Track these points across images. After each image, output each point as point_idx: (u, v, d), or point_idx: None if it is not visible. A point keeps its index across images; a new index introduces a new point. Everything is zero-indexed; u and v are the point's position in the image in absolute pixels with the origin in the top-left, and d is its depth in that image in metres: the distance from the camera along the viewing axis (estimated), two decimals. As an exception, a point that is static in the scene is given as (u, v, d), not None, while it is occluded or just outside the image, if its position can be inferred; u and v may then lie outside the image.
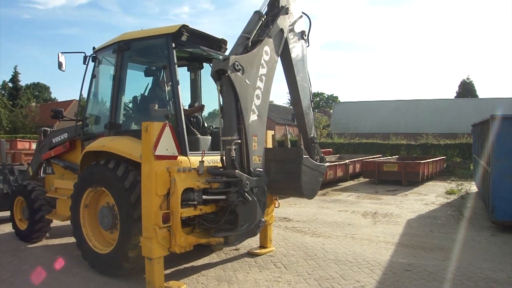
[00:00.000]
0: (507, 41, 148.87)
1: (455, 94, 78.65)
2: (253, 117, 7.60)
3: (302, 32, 9.17)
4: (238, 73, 7.17)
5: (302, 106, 9.13)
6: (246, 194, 7.20)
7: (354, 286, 7.59)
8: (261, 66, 7.81)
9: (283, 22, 8.46)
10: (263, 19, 8.17)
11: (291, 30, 8.77)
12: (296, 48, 8.98)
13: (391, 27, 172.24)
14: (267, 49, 7.98)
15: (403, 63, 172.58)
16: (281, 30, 8.40)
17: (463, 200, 17.71)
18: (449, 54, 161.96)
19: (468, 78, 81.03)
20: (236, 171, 7.19)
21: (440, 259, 9.12)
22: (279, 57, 8.57)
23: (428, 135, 37.04)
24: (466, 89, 78.29)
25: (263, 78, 7.88)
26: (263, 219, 7.73)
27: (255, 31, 7.95)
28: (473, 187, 20.40)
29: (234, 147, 7.18)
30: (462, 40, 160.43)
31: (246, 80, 7.38)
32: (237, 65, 7.15)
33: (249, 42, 7.73)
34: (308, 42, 9.44)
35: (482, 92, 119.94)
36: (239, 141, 7.31)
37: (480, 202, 16.32)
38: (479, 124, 16.93)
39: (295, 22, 8.89)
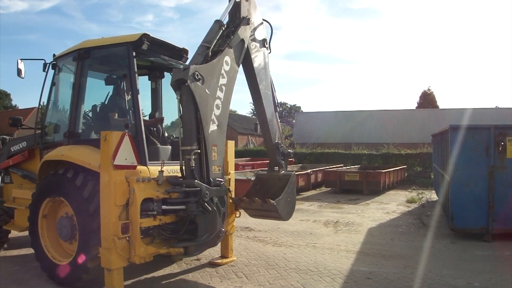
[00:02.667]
0: (467, 53, 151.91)
1: (416, 105, 79.61)
2: (213, 127, 7.55)
3: (264, 40, 9.19)
4: (198, 82, 7.13)
5: (266, 114, 9.09)
6: (205, 204, 7.16)
7: (315, 295, 7.60)
8: (221, 76, 7.77)
9: (244, 32, 8.45)
10: (224, 29, 8.14)
11: (253, 40, 8.77)
12: (258, 57, 8.96)
13: (355, 39, 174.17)
14: (227, 59, 7.94)
15: (365, 74, 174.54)
16: (242, 40, 8.37)
17: (424, 208, 17.92)
18: (411, 66, 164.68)
19: (429, 89, 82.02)
20: (196, 181, 7.13)
21: (401, 267, 9.22)
22: (241, 67, 8.57)
23: (389, 145, 37.41)
24: (427, 100, 79.25)
25: (223, 88, 7.84)
26: (223, 229, 7.78)
27: (215, 40, 7.92)
28: (433, 196, 20.65)
29: (193, 157, 7.13)
30: (424, 52, 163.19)
31: (206, 90, 7.34)
32: (197, 74, 7.11)
33: (209, 51, 7.70)
34: (270, 49, 9.44)
35: (443, 103, 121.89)
36: (199, 151, 7.27)
37: (440, 210, 16.54)
38: (438, 134, 17.17)
39: (255, 29, 8.90)
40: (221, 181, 7.71)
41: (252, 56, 8.77)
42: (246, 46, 8.47)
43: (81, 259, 7.42)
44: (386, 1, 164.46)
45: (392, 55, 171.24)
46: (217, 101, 7.68)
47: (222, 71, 7.82)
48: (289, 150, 9.62)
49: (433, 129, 26.58)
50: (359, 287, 8.03)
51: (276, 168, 9.37)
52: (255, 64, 8.87)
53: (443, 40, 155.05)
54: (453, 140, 12.03)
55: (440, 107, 72.87)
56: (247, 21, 8.53)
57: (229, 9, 8.36)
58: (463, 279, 8.45)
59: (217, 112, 7.65)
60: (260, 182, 9.61)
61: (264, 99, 9.03)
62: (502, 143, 11.61)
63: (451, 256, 10.19)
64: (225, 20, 8.29)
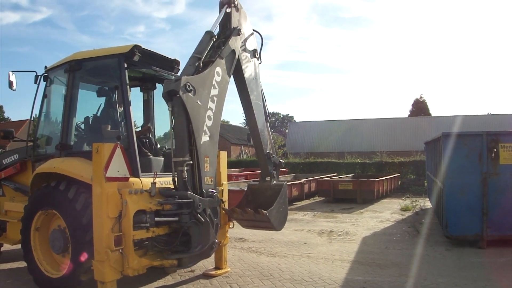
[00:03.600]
0: (458, 60, 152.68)
1: (409, 113, 79.82)
2: (205, 138, 7.52)
3: (254, 51, 9.20)
4: (189, 94, 7.13)
5: (258, 124, 9.05)
6: (198, 215, 7.13)
7: (310, 305, 7.58)
8: (212, 87, 7.76)
9: (235, 43, 8.43)
10: (214, 39, 8.13)
11: (244, 50, 8.79)
12: (248, 68, 8.95)
13: (347, 49, 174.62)
14: (218, 70, 7.93)
15: (357, 83, 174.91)
16: (233, 51, 8.35)
17: (418, 216, 17.93)
18: (403, 74, 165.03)
19: (421, 97, 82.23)
20: (188, 192, 7.11)
21: (395, 275, 9.18)
22: (232, 77, 8.58)
23: (382, 153, 37.42)
24: (419, 108, 79.46)
25: (215, 99, 7.82)
26: (216, 241, 7.78)
27: (206, 51, 7.91)
28: (427, 203, 20.64)
29: (185, 168, 7.11)
30: (415, 60, 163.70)
31: (198, 101, 7.36)
32: (189, 85, 7.11)
33: (200, 62, 7.70)
34: (260, 59, 9.42)
35: (435, 110, 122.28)
36: (191, 162, 7.25)
37: (434, 217, 16.53)
38: (431, 141, 17.19)
39: (246, 40, 8.92)
40: (214, 192, 7.67)
41: (243, 67, 8.76)
42: (237, 56, 8.46)
43: (74, 272, 7.39)
44: (377, 10, 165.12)
45: (384, 63, 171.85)
46: (209, 112, 7.66)
47: (214, 82, 7.80)
48: (280, 160, 9.53)
49: (425, 137, 26.67)
50: (354, 296, 8.00)
51: (268, 178, 9.26)
52: (246, 75, 8.87)
53: (435, 48, 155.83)
54: (445, 148, 12.05)
55: (433, 115, 73.09)
56: (237, 31, 8.52)
57: (219, 20, 8.38)
58: (458, 286, 8.44)
59: (209, 123, 7.62)
60: (252, 192, 9.49)
61: (255, 109, 9.01)
62: (495, 150, 11.61)
63: (446, 264, 10.17)
64: (216, 30, 8.29)
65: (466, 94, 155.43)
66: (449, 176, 11.97)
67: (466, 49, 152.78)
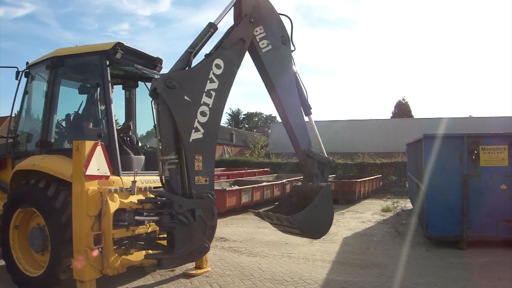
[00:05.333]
0: (442, 63, 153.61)
1: (391, 114, 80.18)
2: (196, 135, 7.07)
3: (282, 37, 8.19)
4: (172, 90, 6.92)
5: (289, 118, 8.11)
6: (180, 216, 6.84)
7: (290, 305, 7.60)
8: (209, 81, 7.21)
9: (244, 31, 7.71)
10: (212, 31, 7.57)
11: (263, 38, 7.91)
12: (269, 56, 7.94)
13: (331, 50, 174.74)
14: (219, 62, 7.35)
15: (341, 84, 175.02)
16: (241, 40, 7.62)
17: (399, 217, 18.04)
18: (386, 76, 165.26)
19: (403, 99, 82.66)
20: (166, 191, 6.98)
21: (376, 275, 9.23)
22: (259, 71, 8.05)
23: (364, 154, 37.60)
24: (402, 110, 79.86)
25: (212, 93, 7.25)
26: (206, 244, 7.23)
27: (200, 44, 7.48)
28: (408, 204, 20.77)
29: (169, 167, 6.94)
30: (398, 62, 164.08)
31: (186, 97, 7.03)
32: (170, 82, 6.87)
33: (191, 57, 7.35)
34: (294, 46, 8.28)
35: (417, 112, 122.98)
36: (176, 160, 7.03)
37: (415, 218, 16.64)
38: (413, 143, 17.29)
39: (267, 26, 7.98)
40: (207, 193, 7.18)
41: (262, 56, 7.85)
42: (247, 46, 7.78)
43: (53, 270, 7.33)
44: (361, 12, 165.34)
45: (367, 65, 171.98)
46: (203, 108, 7.17)
47: (211, 75, 7.26)
48: (331, 158, 8.54)
49: (407, 138, 26.77)
50: (334, 296, 8.03)
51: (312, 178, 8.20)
52: (266, 64, 7.94)
53: (418, 50, 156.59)
54: (427, 149, 12.15)
55: (415, 117, 73.50)
56: (248, 18, 7.81)
57: (227, 10, 7.81)
58: (438, 286, 8.53)
59: (202, 119, 7.14)
60: (296, 194, 8.55)
61: (284, 101, 8.10)
62: (476, 152, 11.74)
63: (426, 264, 10.25)
64: (218, 22, 7.74)
65: (448, 97, 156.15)
66: (430, 177, 12.05)
67: (449, 52, 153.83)
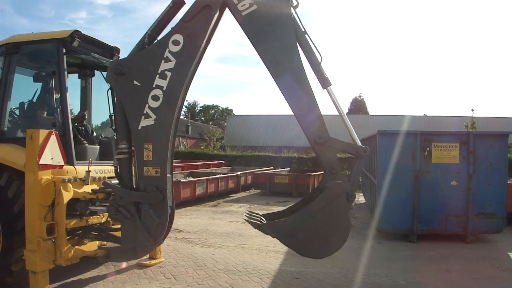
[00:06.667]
0: (397, 61, 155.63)
1: (347, 111, 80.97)
2: (146, 122, 6.42)
3: None
4: (121, 77, 6.48)
5: (286, 99, 6.47)
6: (121, 208, 6.45)
7: (244, 295, 7.68)
8: (164, 60, 6.40)
9: None
10: (175, 6, 6.69)
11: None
12: (251, 19, 6.31)
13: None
14: (177, 38, 6.43)
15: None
16: (207, 7, 6.44)
17: (352, 210, 18.15)
18: (343, 72, 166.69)
19: (360, 96, 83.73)
20: (109, 182, 6.82)
21: (328, 266, 9.34)
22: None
23: (319, 149, 37.79)
24: (358, 106, 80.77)
25: (167, 74, 6.41)
26: (147, 243, 6.54)
27: (157, 22, 6.76)
28: (361, 198, 21.03)
29: (120, 157, 6.63)
30: (355, 59, 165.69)
31: (135, 82, 6.46)
32: (119, 68, 6.45)
33: (145, 38, 6.74)
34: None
35: (373, 109, 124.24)
36: (125, 150, 6.63)
37: (367, 212, 16.92)
38: (367, 139, 17.54)
39: None
40: (155, 186, 6.43)
41: (242, 21, 6.34)
42: (215, 12, 6.47)
43: (5, 261, 7.22)
44: (320, 9, 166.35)
45: (325, 61, 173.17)
46: (155, 91, 6.42)
47: (167, 54, 6.41)
48: (362, 146, 6.79)
49: (363, 135, 26.96)
50: (287, 286, 8.15)
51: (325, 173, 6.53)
52: (249, 30, 6.39)
53: (375, 48, 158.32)
54: (381, 145, 12.41)
55: (371, 113, 74.40)
56: None
57: None
58: (389, 277, 8.75)
59: (154, 104, 6.42)
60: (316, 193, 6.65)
61: (277, 78, 6.45)
62: (428, 149, 12.09)
63: (377, 256, 10.51)
64: None
65: (404, 95, 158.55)
66: (383, 172, 12.30)
67: (405, 50, 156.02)
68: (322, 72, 6.42)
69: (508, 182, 12.85)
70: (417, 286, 8.33)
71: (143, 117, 6.42)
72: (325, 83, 6.45)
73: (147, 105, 6.41)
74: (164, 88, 6.41)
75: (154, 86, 6.41)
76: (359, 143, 6.72)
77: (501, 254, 11.06)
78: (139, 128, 6.43)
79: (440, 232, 12.24)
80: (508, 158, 13.13)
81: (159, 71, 6.40)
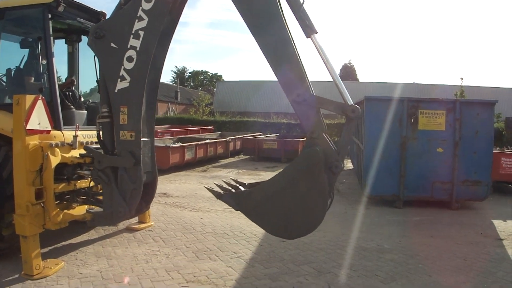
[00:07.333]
0: (387, 29, 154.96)
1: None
2: (122, 85, 6.31)
3: None
4: (100, 40, 6.34)
5: (271, 66, 6.07)
6: (99, 173, 6.46)
7: (231, 257, 7.87)
8: (137, 20, 6.20)
9: None
10: None
11: None
12: None
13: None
14: None
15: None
16: None
17: (339, 176, 18.32)
18: (333, 39, 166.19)
19: (349, 63, 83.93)
20: (90, 146, 6.84)
21: (314, 230, 9.43)
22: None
23: (308, 115, 37.78)
24: (347, 73, 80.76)
25: (140, 33, 6.22)
26: (121, 209, 6.48)
27: None
28: (349, 164, 21.17)
29: (101, 121, 6.56)
30: (346, 26, 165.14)
31: (112, 44, 6.32)
32: (98, 32, 6.33)
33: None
34: None
35: (363, 76, 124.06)
36: (105, 114, 6.50)
37: (354, 178, 17.07)
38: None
39: None
40: (128, 150, 6.35)
41: None
42: None
43: None
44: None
45: (315, 26, 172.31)
46: (130, 53, 6.25)
47: (139, 13, 6.18)
48: (348, 104, 5.99)
49: (353, 101, 27.12)
50: (273, 249, 8.33)
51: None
52: None
53: (365, 14, 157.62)
54: (368, 111, 12.48)
55: (360, 80, 74.28)
56: None
57: None
58: (374, 241, 8.94)
59: (128, 65, 6.26)
60: None
61: (259, 38, 5.90)
62: (414, 115, 12.22)
63: (363, 221, 10.70)
64: None
65: (394, 63, 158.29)
66: (370, 138, 12.45)
67: (396, 17, 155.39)
68: (304, 18, 5.59)
69: (494, 151, 13.02)
70: (402, 250, 8.48)
71: (119, 79, 6.32)
72: (308, 30, 5.63)
73: (122, 67, 6.29)
74: (138, 49, 6.24)
75: (128, 47, 6.26)
76: (350, 102, 5.88)
77: (485, 221, 11.25)
78: (116, 91, 6.35)
79: (426, 199, 12.46)
80: (494, 127, 13.27)
81: (133, 31, 6.22)
